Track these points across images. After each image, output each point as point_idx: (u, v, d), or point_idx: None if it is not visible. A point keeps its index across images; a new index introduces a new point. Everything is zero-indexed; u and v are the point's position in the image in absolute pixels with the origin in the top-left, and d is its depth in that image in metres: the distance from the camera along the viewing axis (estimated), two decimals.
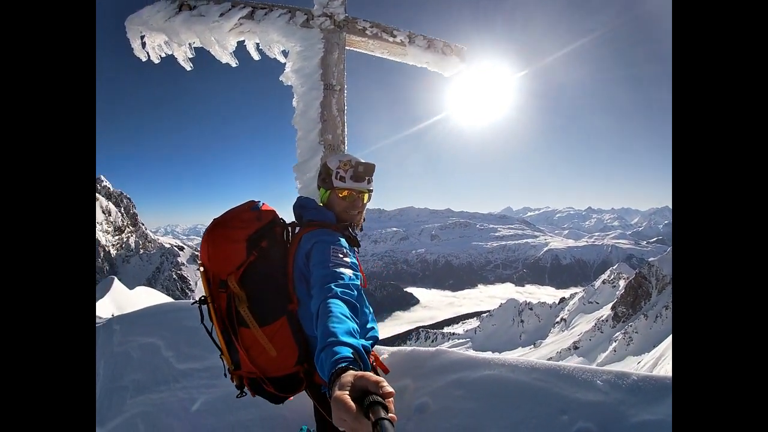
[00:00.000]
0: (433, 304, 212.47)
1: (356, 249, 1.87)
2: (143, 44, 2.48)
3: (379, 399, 0.78)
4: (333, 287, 1.33)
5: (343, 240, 1.65)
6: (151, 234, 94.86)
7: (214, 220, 1.61)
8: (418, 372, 2.47)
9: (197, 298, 1.61)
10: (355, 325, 1.19)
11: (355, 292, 1.42)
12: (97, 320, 5.00)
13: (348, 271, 1.46)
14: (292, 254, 1.65)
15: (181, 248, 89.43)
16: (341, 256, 1.52)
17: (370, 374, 0.85)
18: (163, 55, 2.54)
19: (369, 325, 1.80)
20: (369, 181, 1.88)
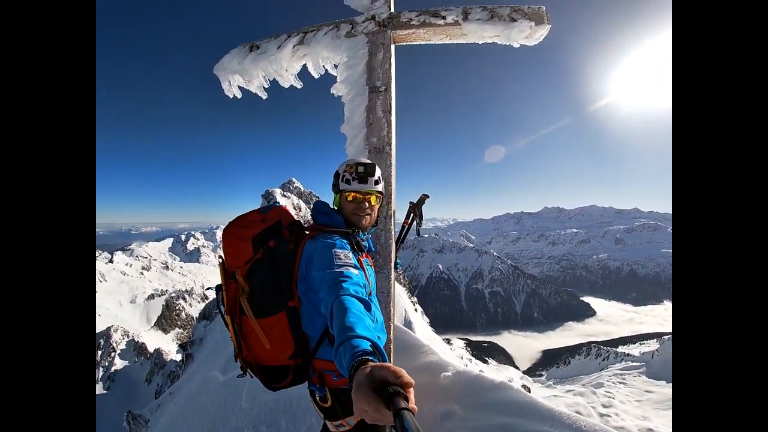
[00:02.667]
0: (611, 318, 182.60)
1: (362, 254, 1.85)
2: (229, 84, 3.01)
3: (400, 389, 0.79)
4: (344, 286, 1.37)
5: (344, 243, 1.67)
6: None
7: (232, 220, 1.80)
8: (472, 401, 2.23)
9: (215, 286, 1.82)
10: (371, 321, 1.21)
11: (365, 290, 1.46)
12: None
13: (354, 271, 1.49)
14: (299, 256, 1.72)
15: None
16: (343, 257, 1.54)
17: (389, 365, 0.86)
18: (249, 89, 3.02)
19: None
20: (376, 182, 1.86)
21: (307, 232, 1.83)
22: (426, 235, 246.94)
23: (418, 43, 2.66)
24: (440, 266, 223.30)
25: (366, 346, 1.02)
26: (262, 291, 1.66)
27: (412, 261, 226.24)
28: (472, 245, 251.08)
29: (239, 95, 3.08)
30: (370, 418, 0.81)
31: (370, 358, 0.95)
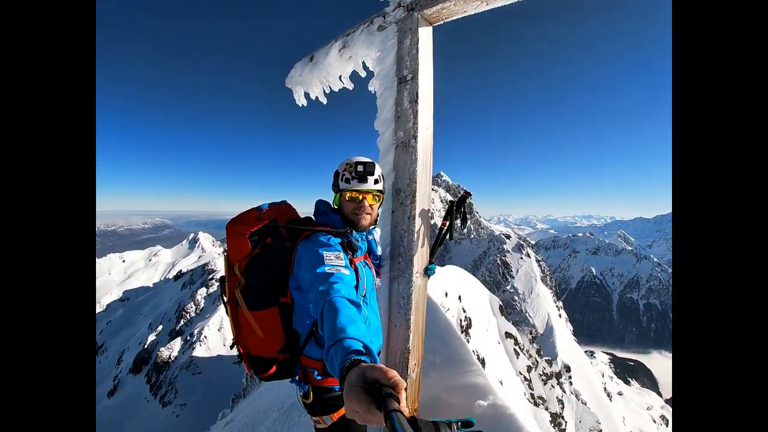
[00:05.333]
0: None
1: (361, 254, 1.85)
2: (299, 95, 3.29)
3: (391, 391, 0.80)
4: (335, 287, 1.40)
5: (336, 244, 1.69)
6: (484, 221, 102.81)
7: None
8: None
9: (219, 277, 1.97)
10: (363, 324, 1.23)
11: (355, 292, 1.49)
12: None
13: (345, 272, 1.52)
14: (294, 255, 1.76)
15: (508, 236, 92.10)
16: (334, 258, 1.56)
17: (381, 366, 0.88)
18: (313, 98, 3.25)
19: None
20: (376, 181, 1.84)
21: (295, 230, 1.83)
22: (580, 234, 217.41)
23: (456, 17, 2.37)
24: (593, 270, 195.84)
25: (357, 346, 1.03)
26: (257, 285, 1.73)
27: (563, 261, 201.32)
28: (630, 248, 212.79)
29: (305, 104, 3.34)
30: (360, 419, 0.81)
31: (362, 358, 0.95)
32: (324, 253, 1.58)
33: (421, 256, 2.24)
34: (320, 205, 1.92)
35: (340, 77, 2.94)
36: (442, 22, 2.41)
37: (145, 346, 45.66)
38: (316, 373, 1.71)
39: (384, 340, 2.35)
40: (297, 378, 1.81)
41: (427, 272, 2.31)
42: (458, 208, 2.32)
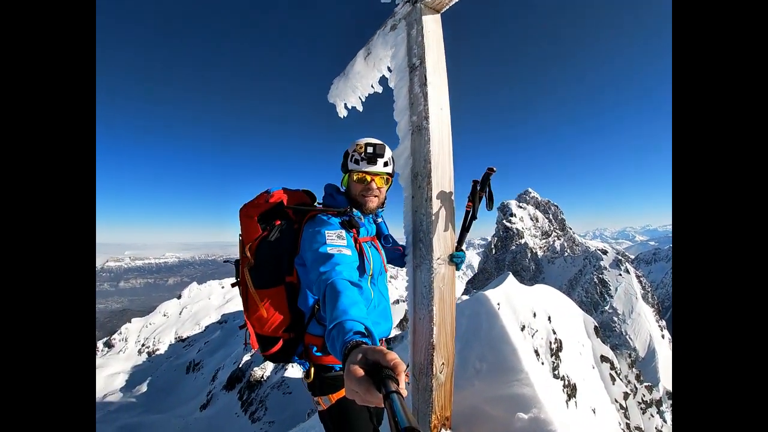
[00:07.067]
0: None
1: (367, 235, 1.86)
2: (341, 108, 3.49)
3: (391, 373, 0.82)
4: (337, 269, 1.45)
5: (336, 223, 1.71)
6: (578, 237, 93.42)
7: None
8: None
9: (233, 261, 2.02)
10: (364, 306, 1.26)
11: (357, 273, 1.53)
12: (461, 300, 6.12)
13: (347, 252, 1.55)
14: (300, 236, 1.82)
15: (605, 252, 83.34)
16: (336, 239, 1.60)
17: (382, 348, 0.89)
18: (350, 108, 3.43)
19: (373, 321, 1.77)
20: (386, 164, 1.86)
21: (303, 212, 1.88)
22: None
23: None
24: None
25: (359, 328, 1.05)
26: (265, 265, 1.78)
27: (666, 276, 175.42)
28: None
29: (345, 114, 3.53)
30: (360, 400, 0.82)
31: (363, 340, 0.97)
32: (326, 232, 1.60)
33: (443, 241, 2.13)
34: (328, 188, 1.96)
35: (371, 85, 3.07)
36: (447, 6, 2.41)
37: (240, 366, 49.08)
38: (315, 349, 1.71)
39: (410, 335, 2.26)
40: (299, 356, 1.81)
41: (453, 260, 2.16)
42: (482, 186, 2.18)
